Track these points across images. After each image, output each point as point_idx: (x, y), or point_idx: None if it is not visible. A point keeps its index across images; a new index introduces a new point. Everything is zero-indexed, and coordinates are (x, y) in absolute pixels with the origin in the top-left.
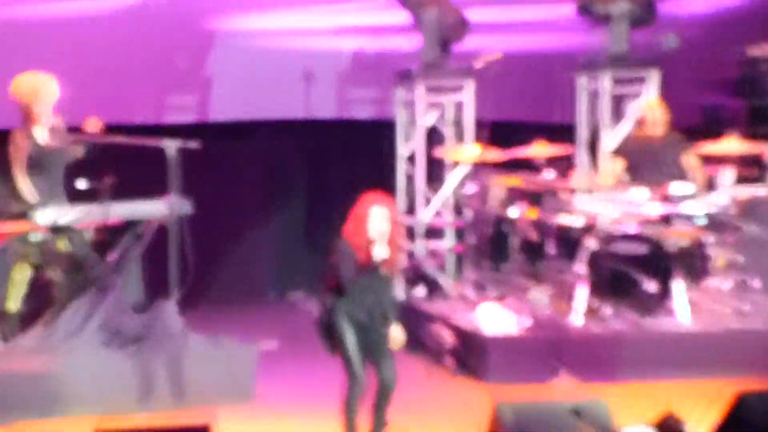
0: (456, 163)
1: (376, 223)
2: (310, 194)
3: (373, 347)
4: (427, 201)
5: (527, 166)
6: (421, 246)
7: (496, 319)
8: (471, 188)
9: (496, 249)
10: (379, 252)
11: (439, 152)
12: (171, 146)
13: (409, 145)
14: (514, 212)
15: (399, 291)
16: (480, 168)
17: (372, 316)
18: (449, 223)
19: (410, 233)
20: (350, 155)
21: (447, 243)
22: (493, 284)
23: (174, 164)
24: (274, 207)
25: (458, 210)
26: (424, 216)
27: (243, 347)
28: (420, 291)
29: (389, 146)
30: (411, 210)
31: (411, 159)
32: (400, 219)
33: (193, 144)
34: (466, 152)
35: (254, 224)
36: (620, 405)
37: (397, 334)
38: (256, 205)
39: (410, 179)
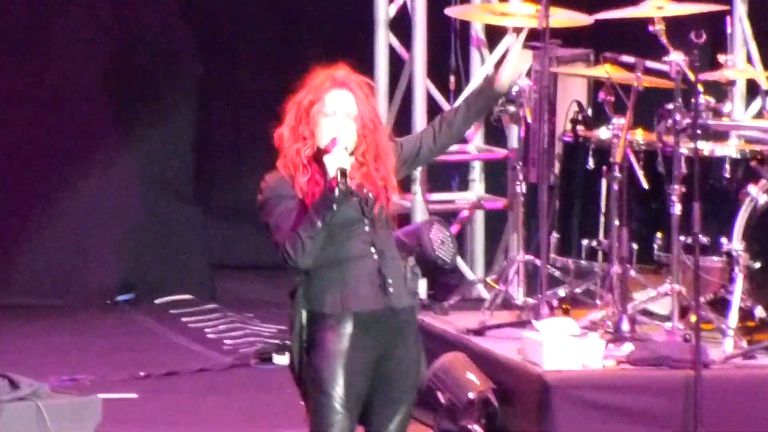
0: (491, 33)
1: (334, 119)
2: (210, 96)
3: (384, 372)
4: (432, 107)
5: (634, 42)
6: (420, 199)
7: (566, 344)
8: (521, 84)
9: (570, 204)
10: (336, 161)
11: (454, 12)
12: None
13: (396, 3)
14: (605, 132)
15: None
16: (539, 45)
17: (388, 295)
18: (476, 155)
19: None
20: (292, 21)
21: (472, 194)
22: (563, 275)
23: None
24: (132, 123)
25: (495, 128)
26: None
27: (72, 398)
28: (419, 289)
29: (362, 5)
30: (401, 128)
31: (397, 26)
32: (384, 118)
33: None
34: (510, 12)
35: (94, 160)
36: None
37: None
38: (100, 124)
39: (398, 65)
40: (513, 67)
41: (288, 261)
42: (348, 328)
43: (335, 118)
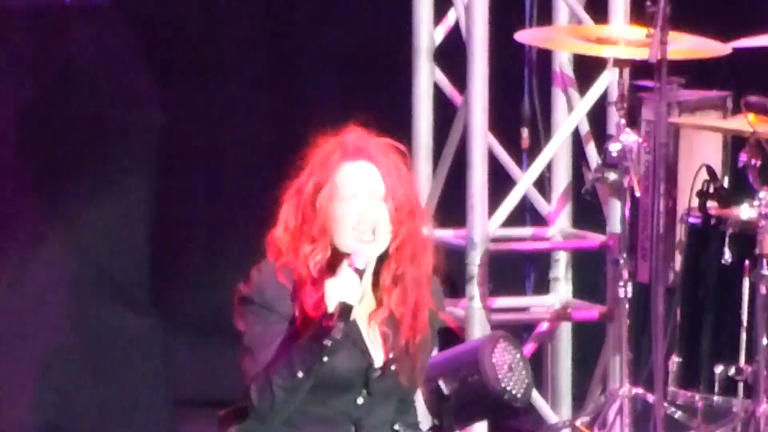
0: (582, 67)
1: (354, 204)
2: (175, 158)
3: None
4: (497, 173)
5: None
6: (478, 306)
7: None
8: (626, 140)
9: (697, 315)
10: (341, 287)
11: (528, 38)
12: None
13: (444, 24)
14: (748, 211)
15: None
16: (653, 86)
17: None
18: (561, 243)
19: (455, 269)
20: (292, 53)
21: (554, 298)
22: (687, 417)
23: None
24: (63, 197)
25: (588, 203)
26: (487, 222)
27: None
28: None
29: (396, 29)
30: (452, 206)
31: (446, 58)
32: (423, 202)
33: None
34: (610, 38)
35: (5, 250)
36: None
37: None
38: (17, 197)
39: (447, 112)
40: None
41: (249, 409)
42: None
43: (355, 203)
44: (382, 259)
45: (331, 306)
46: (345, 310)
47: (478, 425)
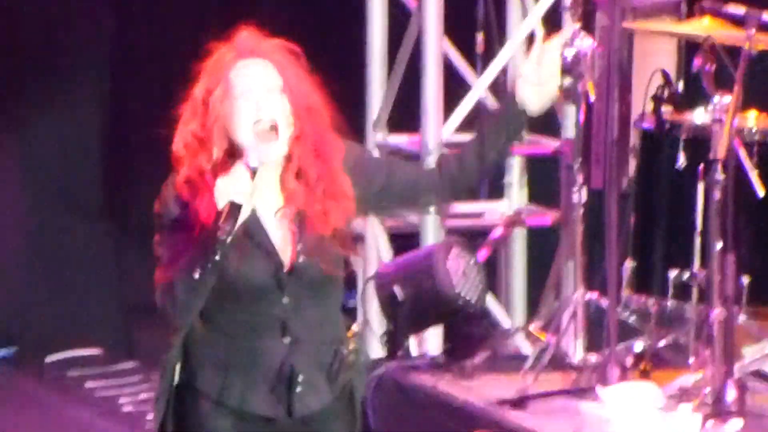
0: None
1: (250, 98)
2: (128, 68)
3: None
4: (452, 79)
5: None
6: (432, 212)
7: (645, 421)
8: (580, 46)
9: (651, 220)
10: (231, 186)
11: None
12: None
13: None
14: (702, 116)
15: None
16: None
17: (292, 398)
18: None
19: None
20: None
21: (508, 204)
22: (640, 322)
23: None
24: (15, 108)
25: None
26: (441, 127)
27: None
28: (432, 345)
29: None
30: (406, 110)
31: None
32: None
33: None
34: None
35: None
36: None
37: None
38: None
39: (401, 19)
40: (542, 79)
41: (161, 312)
42: (226, 423)
43: (252, 97)
44: (286, 157)
45: (221, 204)
46: (233, 209)
47: (432, 331)
